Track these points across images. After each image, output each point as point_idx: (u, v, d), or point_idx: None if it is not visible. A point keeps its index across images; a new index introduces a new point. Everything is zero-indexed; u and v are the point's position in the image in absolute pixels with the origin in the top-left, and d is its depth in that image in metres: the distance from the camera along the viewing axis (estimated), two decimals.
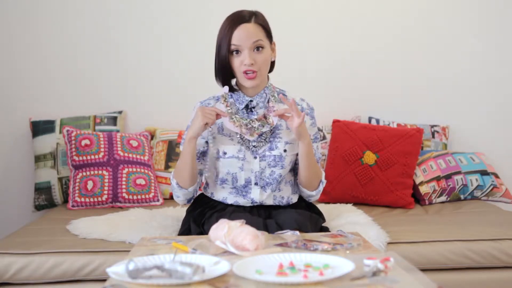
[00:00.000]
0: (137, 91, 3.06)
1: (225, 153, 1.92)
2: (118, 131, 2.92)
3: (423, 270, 1.38)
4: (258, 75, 1.87)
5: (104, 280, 1.59)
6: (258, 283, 1.19)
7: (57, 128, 2.87)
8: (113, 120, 2.95)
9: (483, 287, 2.09)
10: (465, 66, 3.16)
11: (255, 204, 1.95)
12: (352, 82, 3.13)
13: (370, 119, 3.05)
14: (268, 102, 1.95)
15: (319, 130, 2.92)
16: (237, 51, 1.86)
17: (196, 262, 1.25)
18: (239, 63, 1.86)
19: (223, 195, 1.97)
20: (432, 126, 3.05)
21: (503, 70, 3.17)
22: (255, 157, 1.93)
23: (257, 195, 1.94)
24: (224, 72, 1.90)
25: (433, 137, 3.02)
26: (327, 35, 3.11)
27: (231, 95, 1.97)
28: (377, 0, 3.12)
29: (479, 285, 2.09)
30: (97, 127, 2.91)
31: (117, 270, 1.27)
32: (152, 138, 2.94)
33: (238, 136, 1.93)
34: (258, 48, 1.86)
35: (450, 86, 3.16)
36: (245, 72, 1.86)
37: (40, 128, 2.88)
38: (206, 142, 1.97)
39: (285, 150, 1.94)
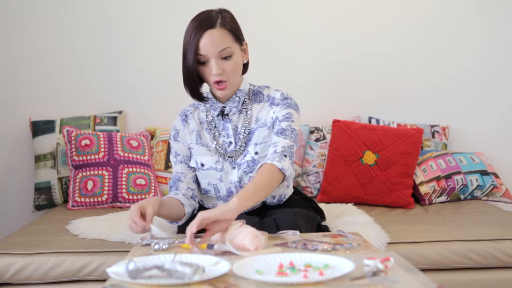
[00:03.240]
0: (137, 91, 3.07)
1: (202, 165, 1.87)
2: (118, 131, 2.92)
3: (423, 270, 1.38)
4: (228, 84, 1.78)
5: (104, 280, 1.59)
6: (258, 283, 1.19)
7: (57, 128, 2.87)
8: (113, 120, 2.95)
9: (483, 287, 2.09)
10: (465, 66, 3.16)
11: (244, 212, 1.89)
12: (352, 82, 3.13)
13: (370, 119, 3.05)
14: (242, 105, 1.87)
15: (319, 130, 2.92)
16: (205, 60, 1.75)
17: (196, 262, 1.25)
18: (208, 73, 1.76)
19: (212, 202, 1.95)
20: (432, 126, 3.05)
21: (503, 70, 3.17)
22: (234, 167, 1.86)
23: None
24: (191, 81, 1.78)
25: (433, 137, 3.02)
26: (327, 35, 3.11)
27: (207, 101, 1.88)
28: (377, 1, 3.13)
29: (479, 285, 2.09)
30: (97, 127, 2.91)
31: (117, 270, 1.27)
32: (152, 138, 2.94)
33: (215, 146, 1.87)
34: (226, 57, 1.75)
35: (450, 86, 3.16)
36: (216, 83, 1.77)
37: (40, 128, 2.88)
38: (189, 148, 1.92)
39: (256, 153, 1.85)
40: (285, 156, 1.75)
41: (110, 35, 3.04)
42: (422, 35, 3.14)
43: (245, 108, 1.87)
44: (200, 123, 1.91)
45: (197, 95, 1.83)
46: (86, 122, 2.92)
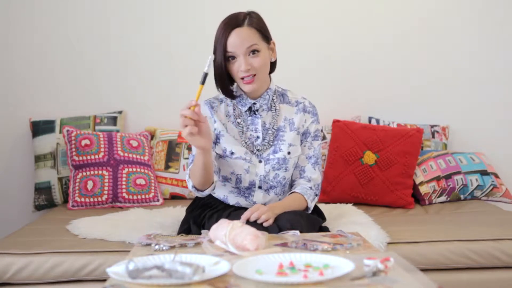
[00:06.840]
0: (137, 91, 3.07)
1: (232, 153, 1.90)
2: (118, 131, 2.92)
3: (423, 270, 1.38)
4: (256, 78, 1.85)
5: (104, 280, 1.59)
6: (258, 283, 1.19)
7: (57, 128, 2.87)
8: (113, 120, 2.95)
9: (483, 287, 2.09)
10: (465, 66, 3.16)
11: None
12: (352, 82, 3.13)
13: (370, 119, 3.05)
14: (271, 103, 1.95)
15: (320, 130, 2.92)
16: (233, 57, 1.83)
17: (196, 262, 1.25)
18: (236, 69, 1.83)
19: (224, 193, 1.96)
20: (432, 126, 3.05)
21: (503, 70, 3.17)
22: (260, 161, 1.92)
23: (260, 198, 1.93)
24: (222, 78, 1.86)
25: (433, 137, 3.02)
26: (327, 35, 3.11)
27: (236, 98, 1.95)
28: (377, 1, 3.13)
29: (479, 285, 2.09)
30: (97, 127, 2.91)
31: (117, 270, 1.27)
32: (152, 138, 2.94)
33: (243, 139, 1.92)
34: (254, 52, 1.82)
35: (450, 86, 3.16)
36: (242, 78, 1.84)
37: (40, 128, 2.88)
38: (217, 135, 1.94)
39: (289, 153, 1.93)
40: (316, 195, 1.96)
41: (110, 35, 3.04)
42: (422, 35, 3.14)
43: (273, 106, 1.95)
44: (226, 116, 1.95)
45: (228, 92, 1.91)
46: (86, 122, 2.92)
